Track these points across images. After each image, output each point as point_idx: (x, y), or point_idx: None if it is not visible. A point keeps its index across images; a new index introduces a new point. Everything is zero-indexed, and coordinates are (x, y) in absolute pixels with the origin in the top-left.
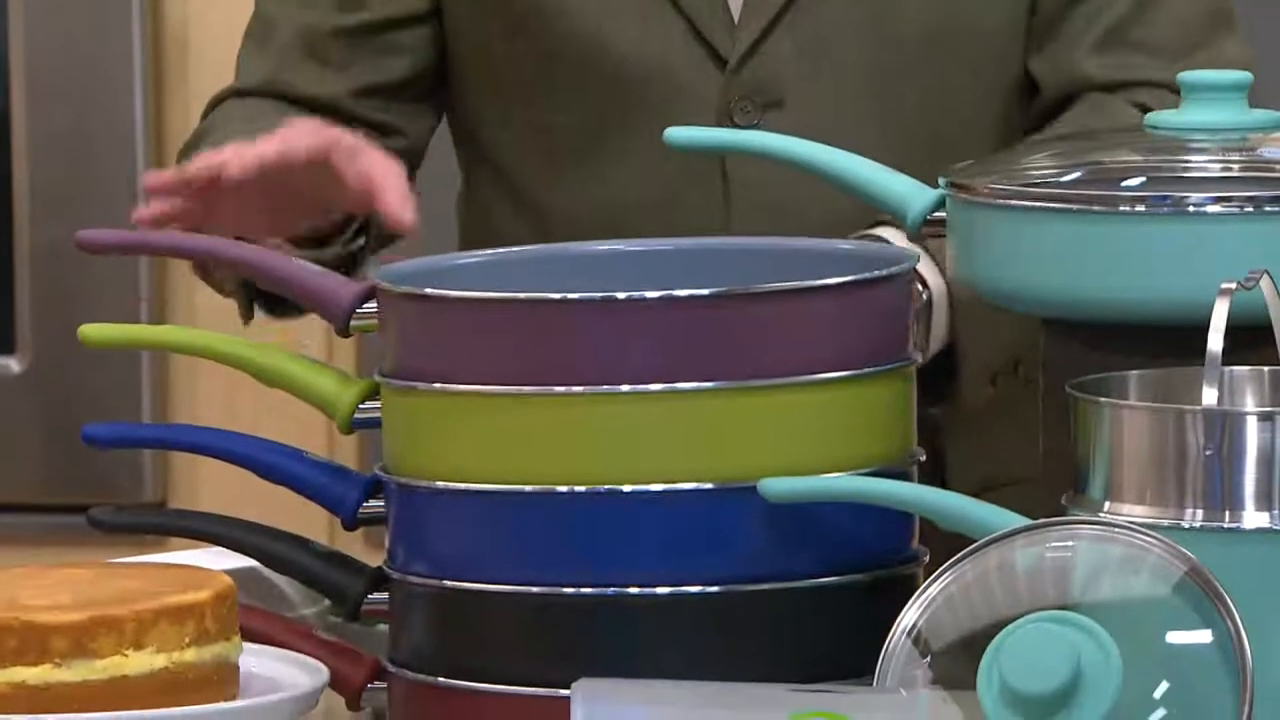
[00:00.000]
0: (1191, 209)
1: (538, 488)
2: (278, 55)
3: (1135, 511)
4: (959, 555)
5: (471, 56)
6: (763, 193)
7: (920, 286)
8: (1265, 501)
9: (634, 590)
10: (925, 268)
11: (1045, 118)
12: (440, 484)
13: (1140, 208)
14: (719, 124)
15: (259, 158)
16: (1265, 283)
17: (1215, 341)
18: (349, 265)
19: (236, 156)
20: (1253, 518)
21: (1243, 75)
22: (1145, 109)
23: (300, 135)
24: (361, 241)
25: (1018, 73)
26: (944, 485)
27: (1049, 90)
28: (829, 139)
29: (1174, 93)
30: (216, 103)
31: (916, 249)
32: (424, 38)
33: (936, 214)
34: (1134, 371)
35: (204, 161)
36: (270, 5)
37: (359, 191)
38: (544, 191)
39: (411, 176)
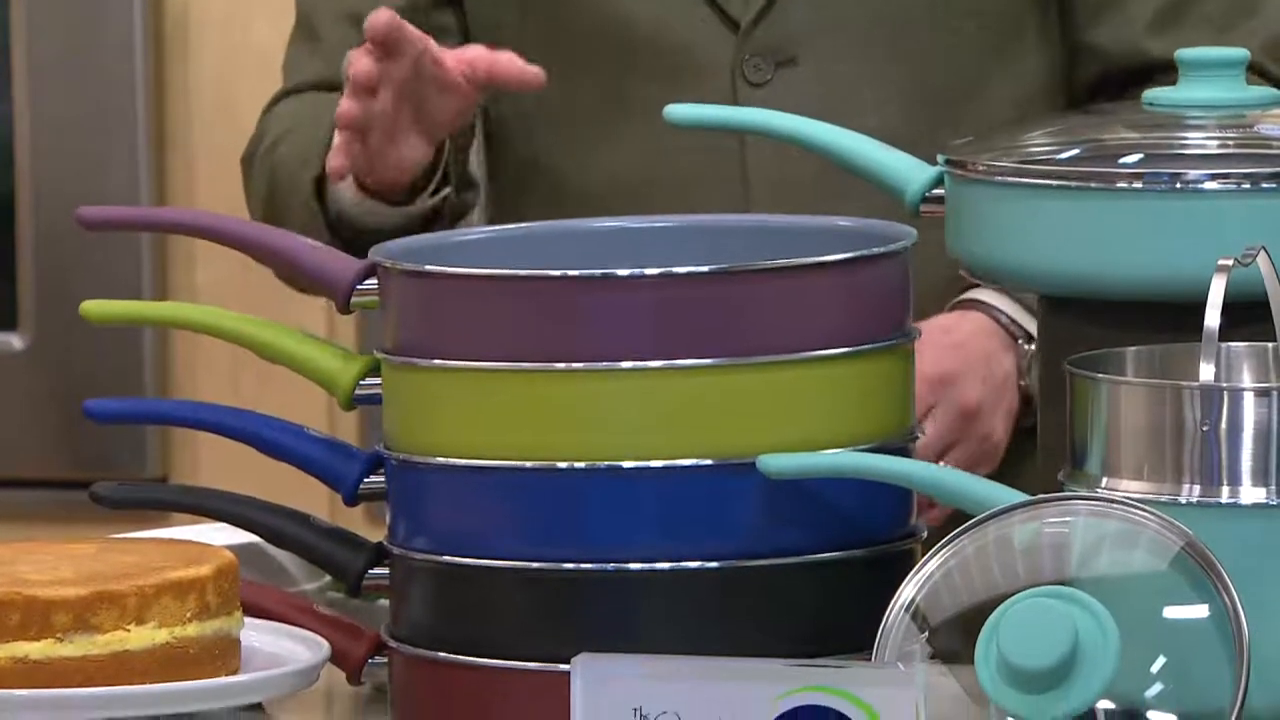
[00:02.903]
0: (1189, 186)
1: (538, 464)
2: (327, 49)
3: (1132, 487)
4: (957, 531)
5: (485, 35)
6: (779, 169)
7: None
8: (1262, 477)
9: (634, 566)
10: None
11: (1108, 91)
12: (440, 460)
13: (1138, 184)
14: (731, 85)
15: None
16: (1262, 259)
17: (1212, 317)
18: (433, 219)
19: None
20: (1249, 493)
21: (1240, 52)
22: None
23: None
24: (446, 192)
25: (1036, 27)
26: None
27: (1112, 64)
28: (843, 96)
29: None
30: (271, 104)
31: (912, 231)
32: (464, 18)
33: (934, 191)
34: (1131, 348)
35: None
36: (310, 2)
37: (468, 77)
38: (563, 169)
39: (465, 157)
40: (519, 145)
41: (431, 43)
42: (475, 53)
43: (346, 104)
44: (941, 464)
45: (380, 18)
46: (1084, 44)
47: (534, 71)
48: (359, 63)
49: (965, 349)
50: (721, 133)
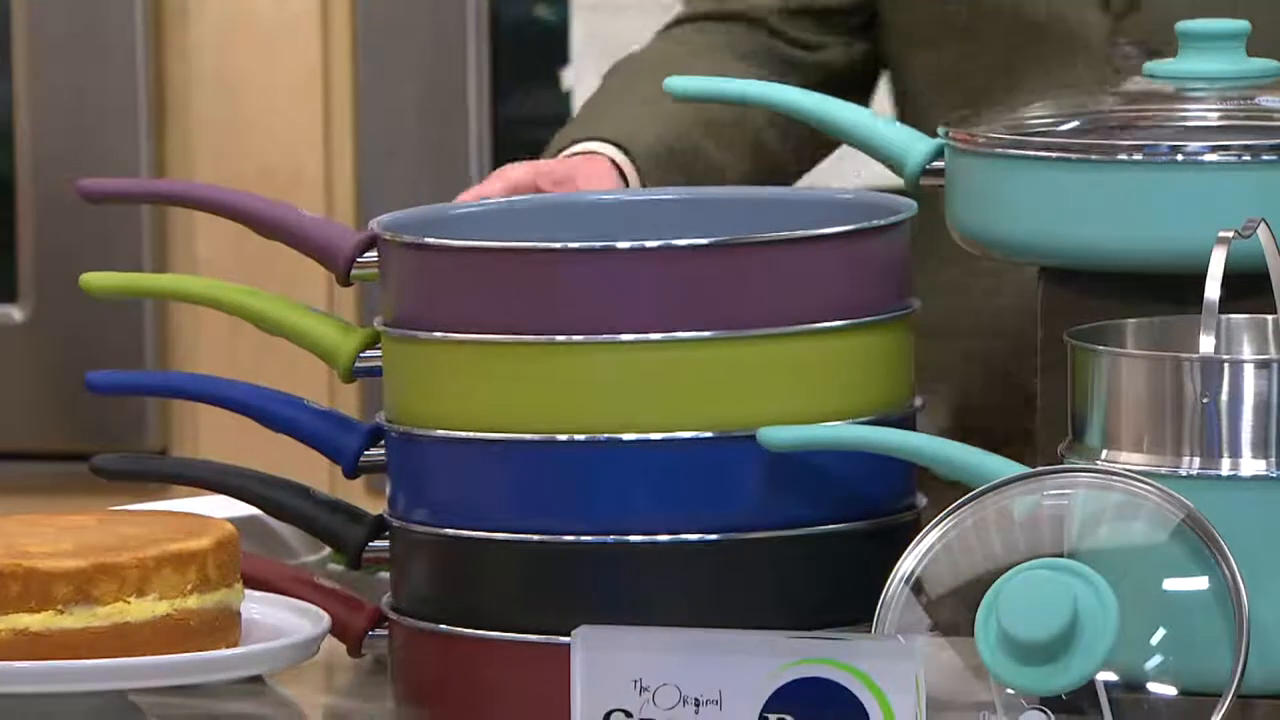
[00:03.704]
0: (1189, 158)
1: (538, 436)
2: None
3: (1132, 459)
4: (957, 503)
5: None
6: None
7: None
8: (1262, 449)
9: (634, 538)
10: None
11: None
12: (441, 432)
13: (1138, 156)
14: (1105, 70)
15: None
16: (1262, 231)
17: (1212, 289)
18: None
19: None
20: (1249, 465)
21: (1241, 24)
22: None
23: (511, 181)
24: None
25: None
26: None
27: None
28: None
29: None
30: (668, 26)
31: (912, 203)
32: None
33: (935, 163)
34: (1131, 320)
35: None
36: None
37: None
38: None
39: (868, 90)
40: (915, 117)
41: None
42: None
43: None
44: None
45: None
46: None
47: None
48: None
49: None
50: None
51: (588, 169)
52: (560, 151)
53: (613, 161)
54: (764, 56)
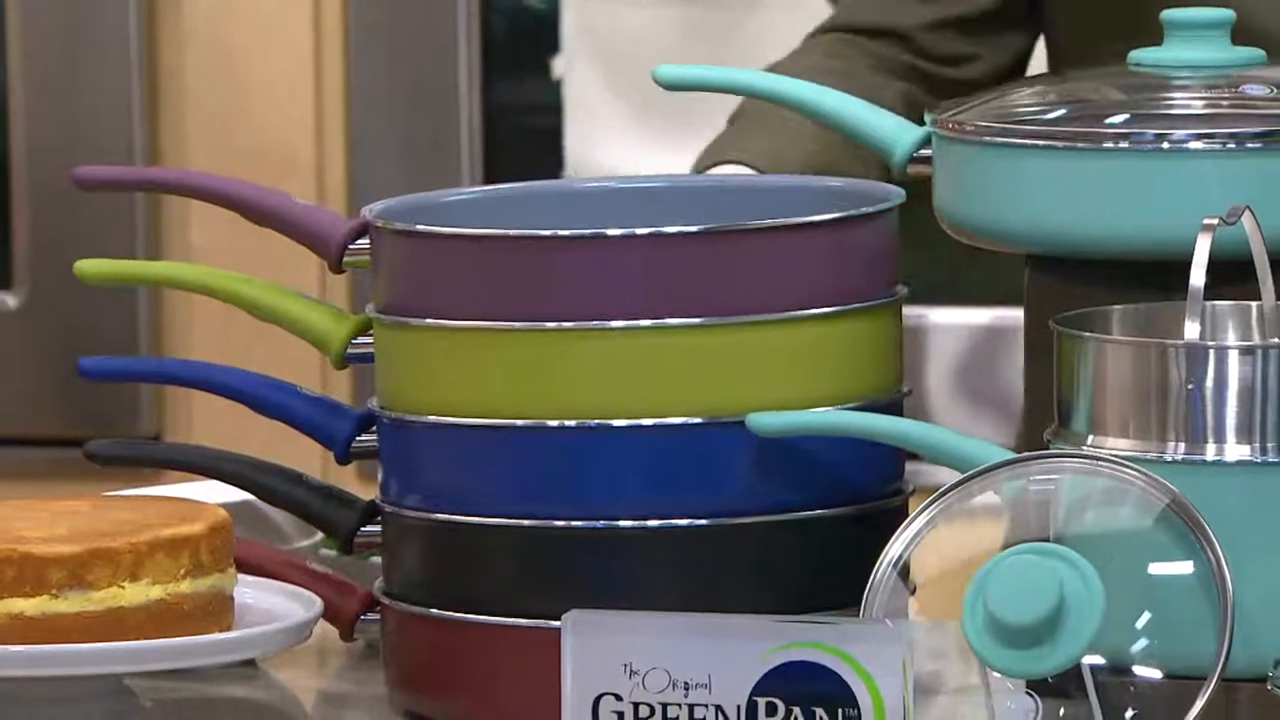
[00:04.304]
0: (1175, 145)
1: (529, 422)
2: None
3: (1118, 445)
4: (944, 488)
5: None
6: None
7: None
8: (1246, 434)
9: (624, 523)
10: None
11: None
12: (432, 418)
13: (1124, 144)
14: None
15: None
16: (1247, 218)
17: (1198, 276)
18: None
19: None
20: (1234, 450)
21: (1225, 13)
22: None
23: None
24: None
25: None
26: None
27: None
28: None
29: None
30: (813, 34)
31: (900, 191)
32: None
33: (923, 151)
34: (1117, 306)
35: None
36: None
37: None
38: None
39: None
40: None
41: None
42: None
43: None
44: None
45: None
46: None
47: None
48: None
49: None
50: None
51: None
52: (705, 169)
53: None
54: (907, 72)
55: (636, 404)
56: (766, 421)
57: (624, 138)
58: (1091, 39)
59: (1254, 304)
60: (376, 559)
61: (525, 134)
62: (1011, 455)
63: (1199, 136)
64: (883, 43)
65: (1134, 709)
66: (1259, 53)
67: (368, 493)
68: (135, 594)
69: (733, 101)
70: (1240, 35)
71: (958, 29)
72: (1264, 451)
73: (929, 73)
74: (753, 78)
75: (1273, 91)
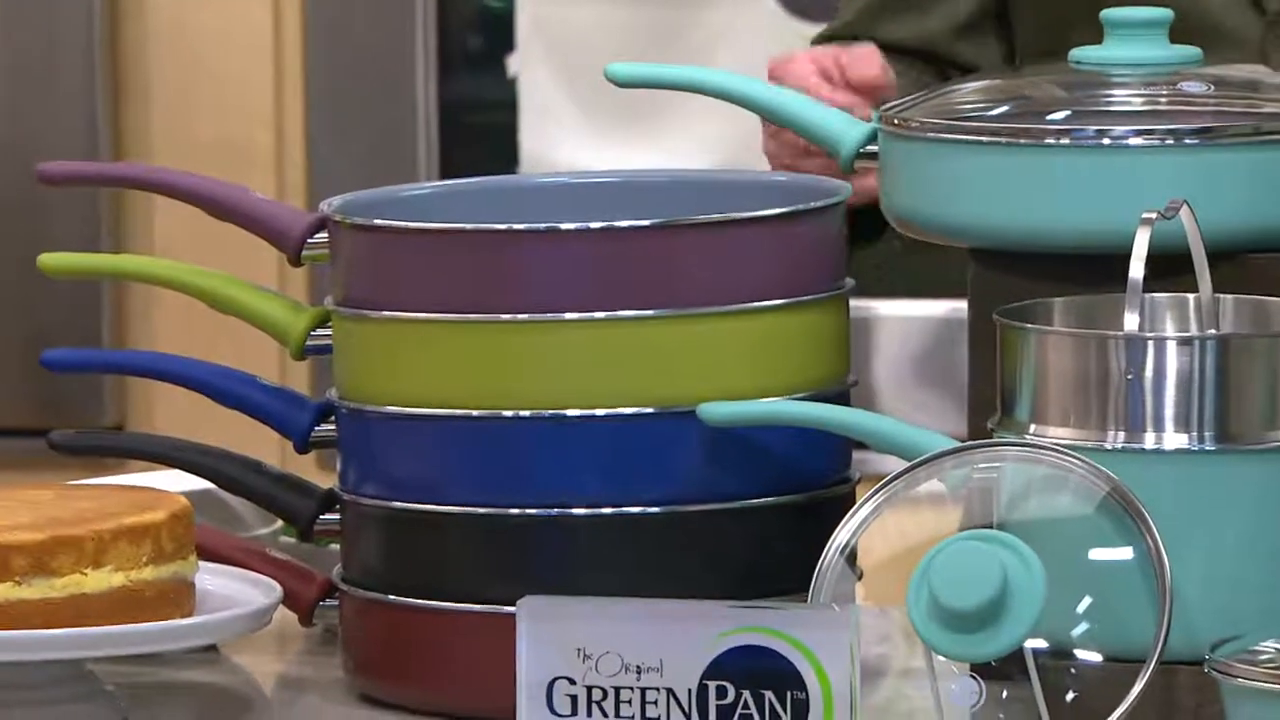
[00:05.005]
0: (1114, 141)
1: (484, 412)
2: (863, 4)
3: (1059, 433)
4: (890, 476)
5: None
6: None
7: None
8: (1184, 423)
9: (577, 511)
10: None
11: None
12: (390, 408)
13: (1065, 141)
14: (1259, 60)
15: None
16: (1184, 212)
17: (1137, 269)
18: None
19: None
20: (1172, 439)
21: (1164, 12)
22: None
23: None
24: None
25: None
26: None
27: None
28: None
29: None
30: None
31: (847, 185)
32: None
33: (869, 147)
34: (1058, 298)
35: None
36: None
37: None
38: None
39: None
40: None
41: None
42: None
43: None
44: None
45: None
46: None
47: None
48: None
49: None
50: None
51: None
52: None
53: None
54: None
55: (590, 394)
56: (717, 411)
57: (577, 134)
58: (1051, 39)
59: (1191, 296)
60: (335, 546)
61: (480, 130)
62: (955, 444)
63: (1138, 133)
64: (891, 56)
65: (1075, 691)
66: (1196, 51)
67: (326, 481)
68: (98, 581)
69: (685, 99)
70: (1190, 26)
71: (978, 31)
72: (1201, 440)
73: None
74: (703, 75)
75: (1209, 89)
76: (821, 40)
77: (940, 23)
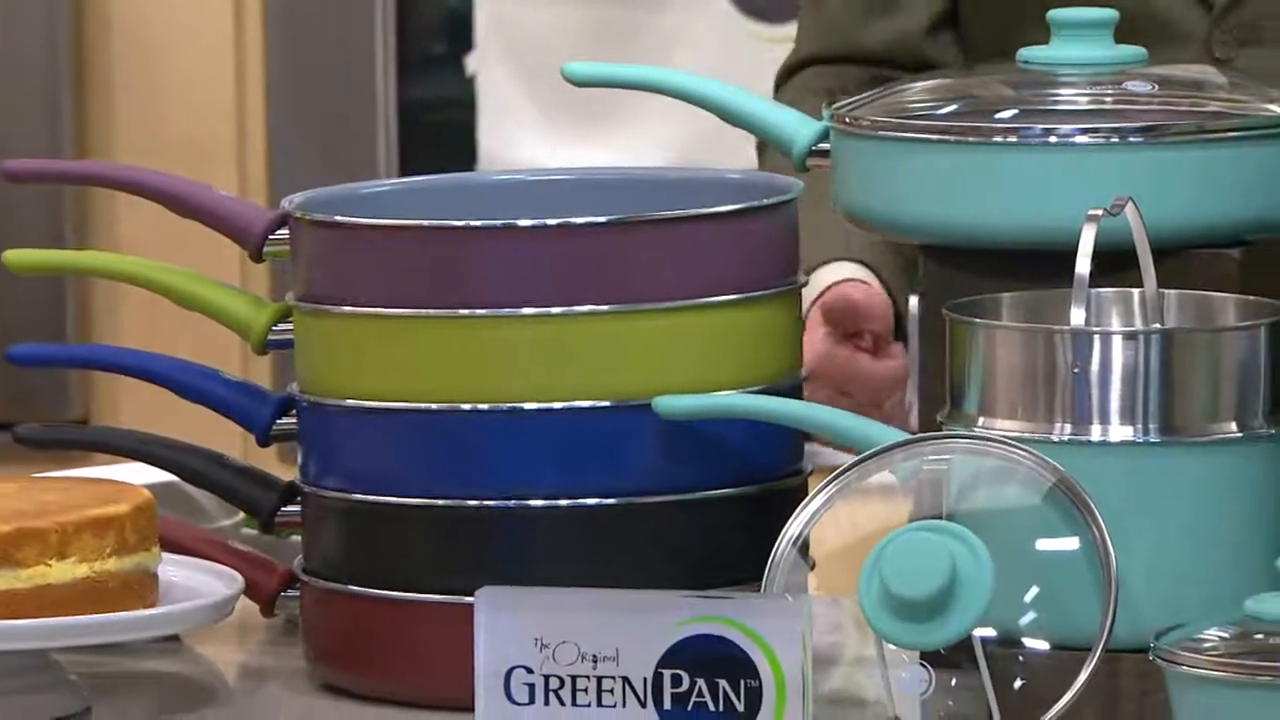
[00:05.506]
0: (1061, 140)
1: (443, 405)
2: (828, 19)
3: (1007, 426)
4: (842, 468)
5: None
6: None
7: None
8: (1129, 416)
9: (535, 502)
10: None
11: None
12: (350, 402)
13: (1013, 139)
14: (1203, 57)
15: None
16: (1130, 209)
17: (1083, 265)
18: None
19: None
20: (1117, 431)
21: (1109, 13)
22: None
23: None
24: None
25: None
26: None
27: None
28: None
29: None
30: (781, 80)
31: (799, 183)
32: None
33: (821, 145)
34: (1006, 294)
35: None
36: None
37: None
38: None
39: None
40: None
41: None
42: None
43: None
44: None
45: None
46: None
47: None
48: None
49: None
50: None
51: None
52: (816, 267)
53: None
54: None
55: (547, 388)
56: (672, 405)
57: (535, 133)
58: (1000, 39)
59: (1136, 291)
60: (296, 537)
61: (439, 129)
62: (905, 436)
63: (1084, 131)
64: (854, 67)
65: (1022, 679)
66: (1141, 51)
67: (287, 474)
68: (63, 572)
69: (640, 99)
70: (1136, 21)
71: (920, 39)
72: (1146, 432)
73: None
74: (659, 74)
75: (1154, 88)
76: (793, 68)
77: (910, 23)
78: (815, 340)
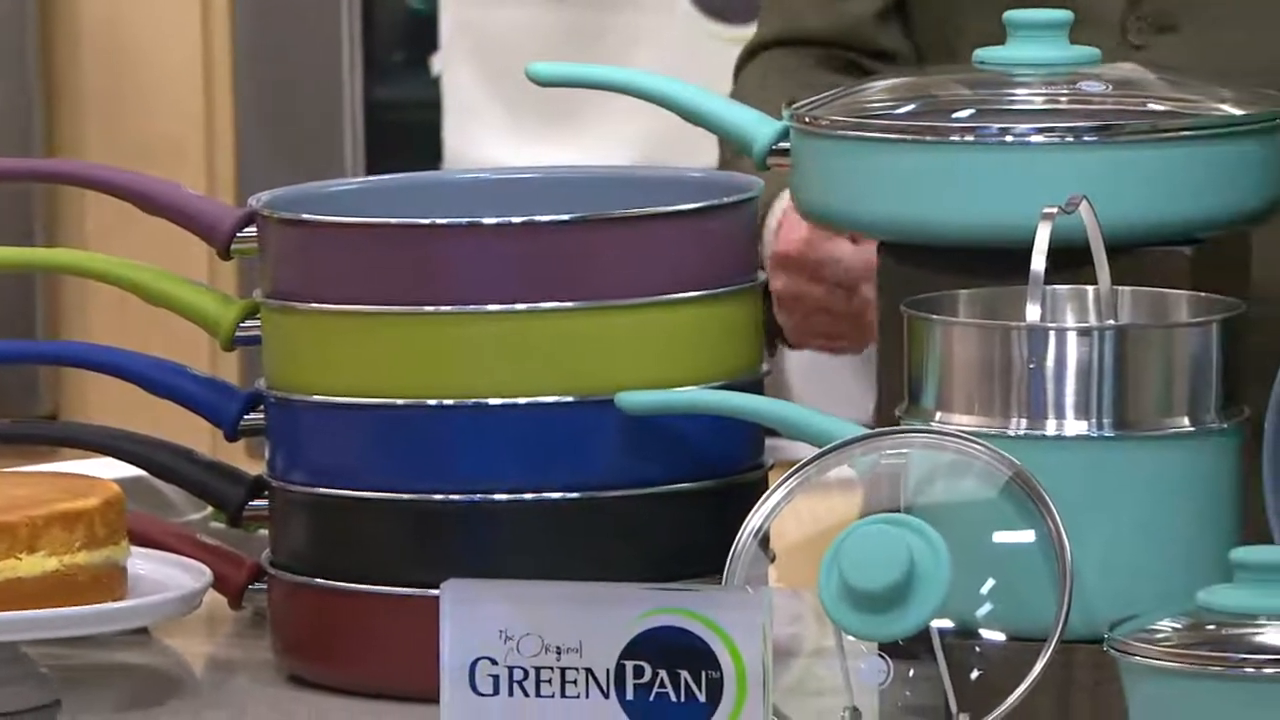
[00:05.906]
0: (1017, 139)
1: (408, 401)
2: (787, 2)
3: (964, 421)
4: (802, 462)
5: None
6: None
7: None
8: (1084, 411)
9: (499, 496)
10: None
11: None
12: (316, 397)
13: (969, 138)
14: (1118, 45)
15: None
16: (1084, 207)
17: (1038, 262)
18: None
19: None
20: (1072, 426)
21: (1064, 14)
22: None
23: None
24: None
25: None
26: None
27: None
28: (1218, 64)
29: None
30: (742, 62)
31: (760, 182)
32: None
33: (781, 144)
34: (964, 290)
35: None
36: None
37: None
38: None
39: None
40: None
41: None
42: None
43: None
44: None
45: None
46: None
47: None
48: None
49: None
50: None
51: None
52: (770, 200)
53: None
54: (847, 67)
55: (511, 384)
56: (634, 400)
57: (499, 133)
58: (945, 31)
59: (1091, 288)
60: (263, 531)
61: (405, 128)
62: (864, 431)
63: (1040, 130)
64: (815, 48)
65: (979, 669)
66: (1095, 51)
67: (255, 469)
68: (32, 565)
69: (604, 98)
70: (1054, 6)
71: (871, 25)
72: (1100, 427)
73: (869, 69)
74: (622, 75)
75: (1108, 88)
76: (754, 49)
77: (861, 9)
78: (796, 225)
